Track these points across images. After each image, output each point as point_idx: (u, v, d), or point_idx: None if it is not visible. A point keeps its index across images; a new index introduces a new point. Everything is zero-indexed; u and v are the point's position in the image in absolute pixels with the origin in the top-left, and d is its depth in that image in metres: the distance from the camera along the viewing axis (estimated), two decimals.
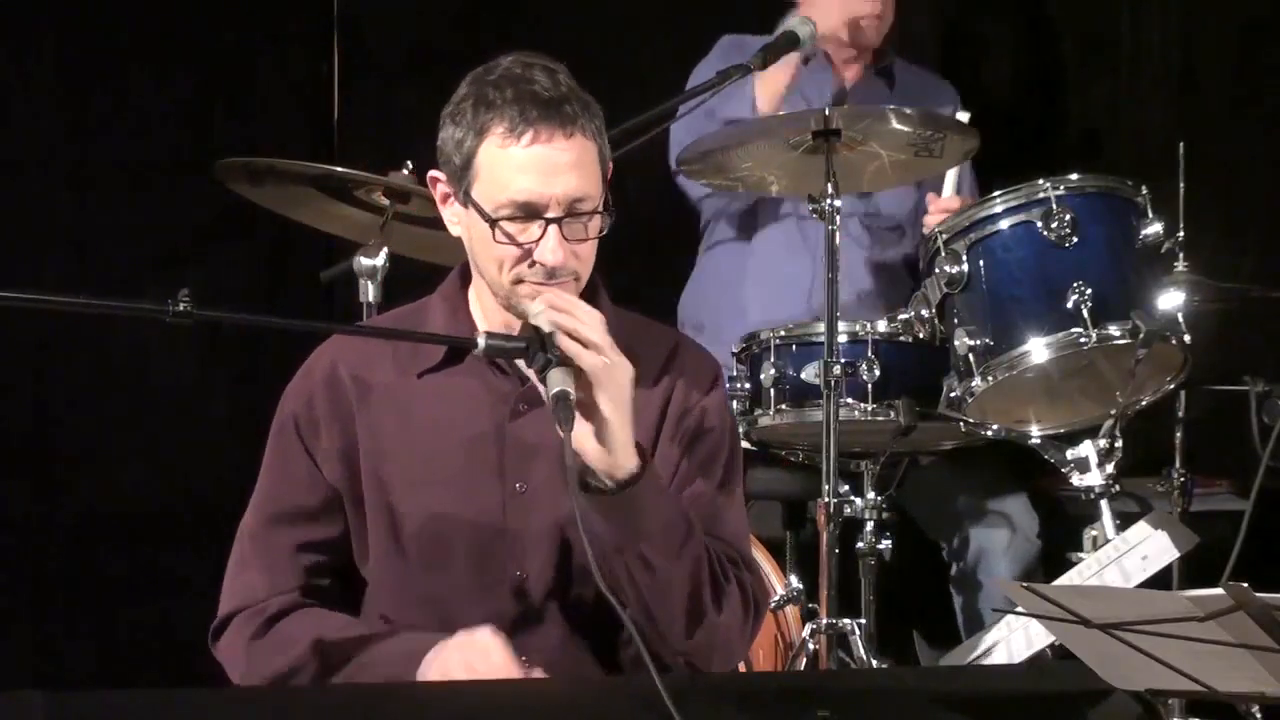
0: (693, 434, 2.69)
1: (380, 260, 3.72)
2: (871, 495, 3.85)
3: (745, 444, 3.83)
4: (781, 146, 3.77)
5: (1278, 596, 2.07)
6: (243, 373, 4.73)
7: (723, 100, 4.02)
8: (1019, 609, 2.30)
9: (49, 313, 3.74)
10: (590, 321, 2.49)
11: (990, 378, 3.69)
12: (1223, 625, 2.09)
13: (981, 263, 3.75)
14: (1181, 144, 3.79)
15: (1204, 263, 3.77)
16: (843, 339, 3.75)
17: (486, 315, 2.69)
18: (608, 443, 2.48)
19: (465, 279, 2.73)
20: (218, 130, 4.82)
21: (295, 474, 2.70)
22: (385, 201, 3.80)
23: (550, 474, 2.58)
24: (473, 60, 2.65)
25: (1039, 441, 3.83)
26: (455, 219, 2.66)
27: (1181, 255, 3.74)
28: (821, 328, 3.72)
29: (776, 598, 3.84)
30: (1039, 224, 3.70)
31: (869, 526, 3.83)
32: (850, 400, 3.78)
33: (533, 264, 2.57)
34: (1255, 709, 3.44)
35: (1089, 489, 3.72)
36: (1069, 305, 3.65)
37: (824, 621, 3.68)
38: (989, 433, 3.84)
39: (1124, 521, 3.70)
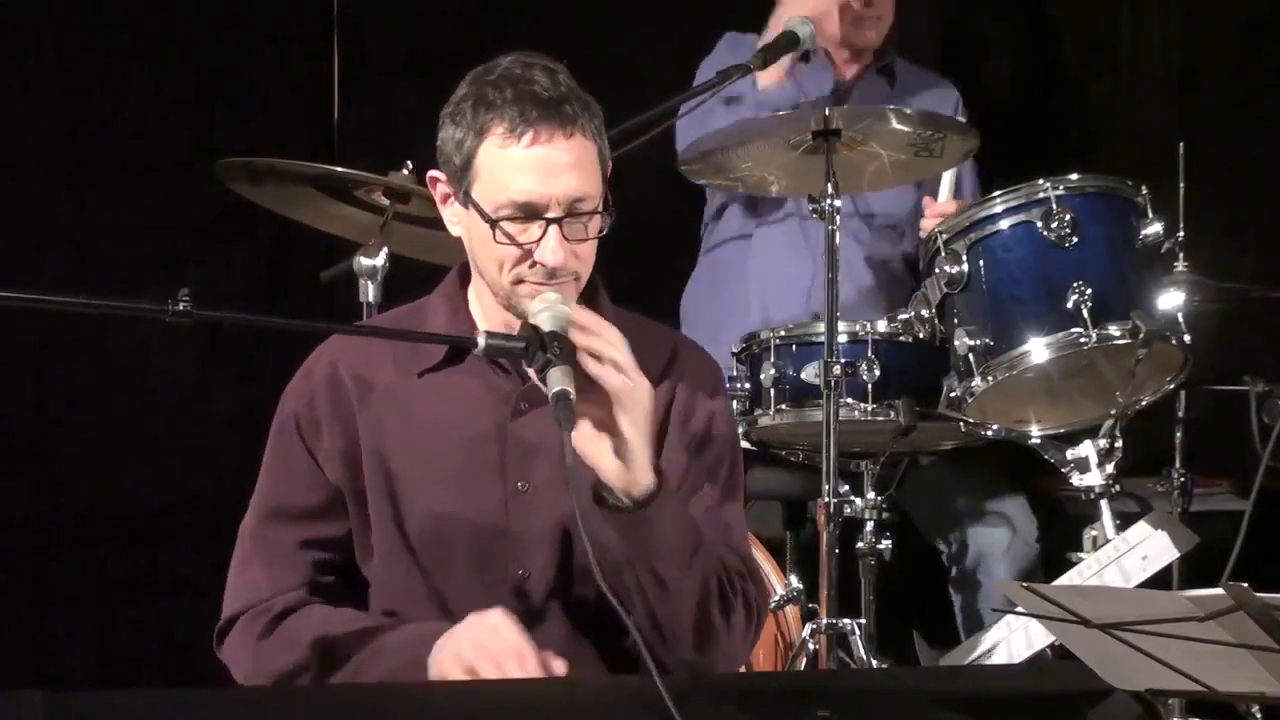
0: (700, 439, 2.70)
1: (380, 260, 3.72)
2: (871, 495, 3.85)
3: (745, 444, 3.84)
4: (781, 146, 3.77)
5: (1278, 596, 2.07)
6: (243, 373, 4.72)
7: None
8: (1019, 609, 2.30)
9: (49, 313, 3.73)
10: (614, 341, 2.48)
11: (990, 378, 3.69)
12: (1223, 625, 2.09)
13: (981, 263, 3.75)
14: (1181, 144, 3.79)
15: (1204, 263, 3.77)
16: (843, 339, 3.75)
17: (486, 315, 2.69)
18: (627, 461, 2.48)
19: (465, 278, 2.73)
20: (218, 130, 4.81)
21: (297, 473, 2.69)
22: (385, 201, 3.80)
23: (552, 473, 2.58)
24: (473, 60, 2.65)
25: (1039, 441, 3.83)
26: (455, 219, 2.66)
27: (1181, 255, 3.74)
28: (821, 328, 3.72)
29: (776, 598, 3.84)
30: (1039, 224, 3.70)
31: (869, 526, 3.83)
32: (850, 400, 3.78)
33: (533, 264, 2.56)
34: (1255, 709, 3.44)
35: (1089, 489, 3.72)
36: (1069, 305, 3.65)
37: (824, 621, 3.68)
38: (989, 433, 3.84)
39: (1124, 521, 3.70)
